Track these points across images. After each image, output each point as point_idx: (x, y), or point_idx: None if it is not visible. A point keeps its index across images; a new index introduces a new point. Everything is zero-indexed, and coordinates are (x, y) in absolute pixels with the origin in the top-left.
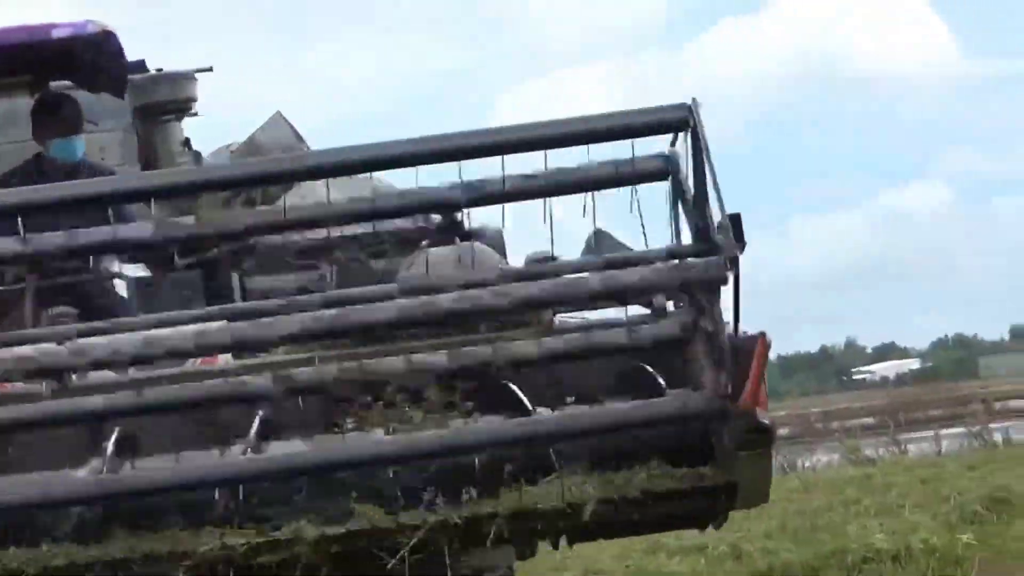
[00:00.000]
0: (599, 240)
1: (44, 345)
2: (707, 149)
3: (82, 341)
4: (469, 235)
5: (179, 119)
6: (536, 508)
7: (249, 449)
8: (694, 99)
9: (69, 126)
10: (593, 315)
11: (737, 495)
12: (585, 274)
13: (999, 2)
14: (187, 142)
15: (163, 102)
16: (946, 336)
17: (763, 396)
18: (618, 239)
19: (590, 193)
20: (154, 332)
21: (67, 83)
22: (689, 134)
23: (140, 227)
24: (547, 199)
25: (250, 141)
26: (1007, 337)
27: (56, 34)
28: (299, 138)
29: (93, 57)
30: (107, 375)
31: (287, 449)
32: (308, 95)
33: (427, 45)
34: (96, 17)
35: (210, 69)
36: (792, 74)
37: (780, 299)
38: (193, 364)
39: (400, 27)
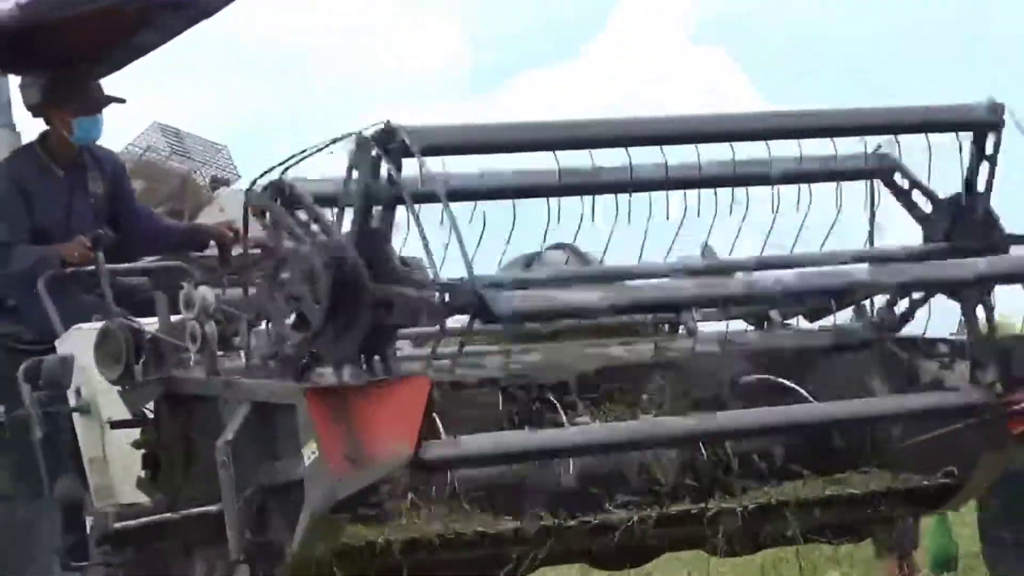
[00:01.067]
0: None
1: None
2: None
3: None
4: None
5: None
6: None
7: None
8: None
9: (95, 104)
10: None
11: (958, 495)
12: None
13: (792, 52)
14: None
15: None
16: None
17: None
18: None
19: None
20: None
21: None
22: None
23: None
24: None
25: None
26: None
27: None
28: (179, 148)
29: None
30: None
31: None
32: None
33: (237, 85)
34: None
35: None
36: None
37: None
38: None
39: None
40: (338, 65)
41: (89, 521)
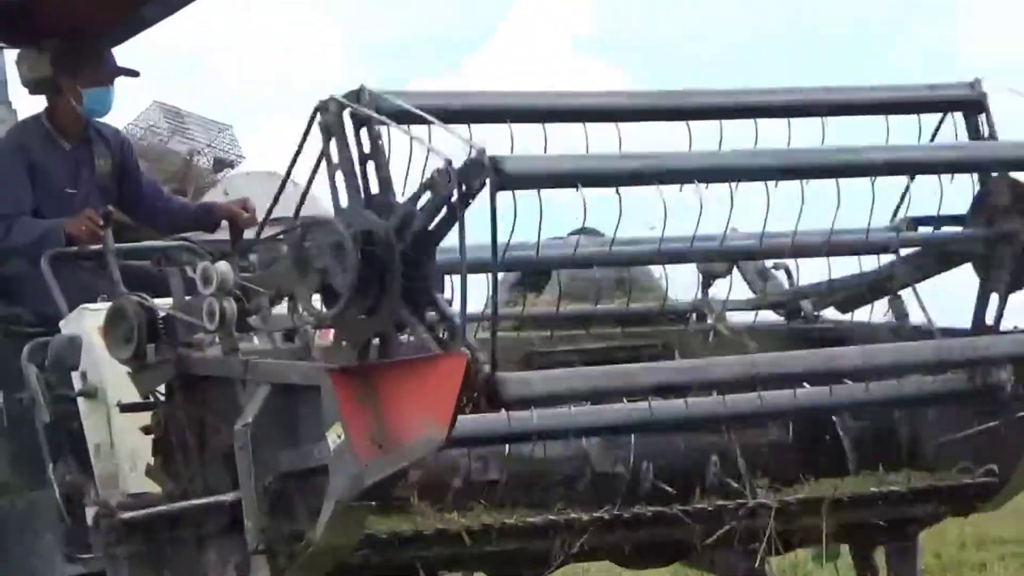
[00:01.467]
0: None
1: None
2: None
3: None
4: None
5: None
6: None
7: None
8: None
9: (108, 74)
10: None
11: (999, 494)
12: None
13: (674, 62)
14: None
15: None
16: None
17: None
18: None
19: None
20: None
21: None
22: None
23: None
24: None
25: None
26: None
27: None
28: (180, 128)
29: None
30: None
31: None
32: None
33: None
34: None
35: None
36: None
37: None
38: None
39: None
40: (219, 74)
41: (92, 511)
